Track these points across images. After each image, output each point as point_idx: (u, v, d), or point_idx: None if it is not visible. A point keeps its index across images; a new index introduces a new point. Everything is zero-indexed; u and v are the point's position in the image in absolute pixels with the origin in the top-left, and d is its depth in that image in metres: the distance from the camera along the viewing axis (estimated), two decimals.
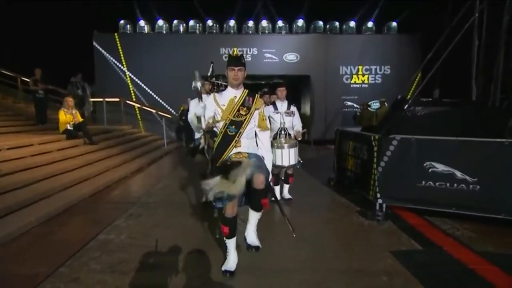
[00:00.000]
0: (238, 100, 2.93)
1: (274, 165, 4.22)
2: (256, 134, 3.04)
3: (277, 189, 5.05)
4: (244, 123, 2.90)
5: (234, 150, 2.89)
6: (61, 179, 5.83)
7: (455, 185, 4.00)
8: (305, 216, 4.50)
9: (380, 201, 4.32)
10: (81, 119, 8.40)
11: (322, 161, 9.08)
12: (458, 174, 3.98)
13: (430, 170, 4.10)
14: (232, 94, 2.95)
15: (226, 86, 3.09)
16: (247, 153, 2.90)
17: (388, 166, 4.29)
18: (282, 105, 4.90)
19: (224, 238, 2.93)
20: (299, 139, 4.83)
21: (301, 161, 4.77)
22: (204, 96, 5.06)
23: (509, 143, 3.76)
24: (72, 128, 8.11)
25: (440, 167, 4.06)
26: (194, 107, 4.91)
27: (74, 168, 6.56)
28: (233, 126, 2.88)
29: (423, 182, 4.13)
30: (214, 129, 2.99)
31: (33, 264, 3.13)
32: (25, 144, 6.61)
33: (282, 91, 4.93)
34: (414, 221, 4.28)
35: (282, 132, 4.67)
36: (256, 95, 3.00)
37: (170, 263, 3.13)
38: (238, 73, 2.87)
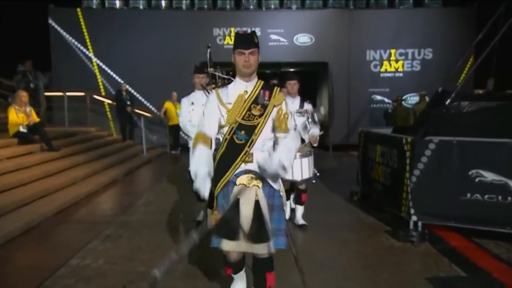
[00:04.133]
0: (249, 96, 2.73)
1: (283, 179, 4.13)
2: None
3: (287, 205, 5.10)
4: (258, 128, 2.68)
5: (243, 167, 2.69)
6: (16, 194, 6.14)
7: (510, 198, 4.29)
8: (321, 238, 4.80)
9: (414, 218, 4.60)
10: (37, 119, 8.74)
11: (344, 171, 9.39)
12: None
13: (477, 180, 4.39)
14: (242, 88, 2.75)
15: (228, 80, 3.16)
16: (261, 179, 2.69)
17: (424, 175, 4.58)
18: (293, 103, 4.95)
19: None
20: (315, 145, 4.87)
21: (318, 174, 4.84)
22: (197, 93, 5.11)
23: None
24: (26, 131, 8.43)
25: (490, 176, 4.35)
26: (188, 108, 5.04)
27: (32, 181, 6.87)
28: (243, 132, 2.67)
29: (468, 195, 4.42)
30: (218, 136, 2.81)
31: None
32: None
33: (293, 84, 5.01)
34: (457, 243, 4.57)
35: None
36: (275, 88, 2.83)
37: None
38: (250, 58, 2.66)
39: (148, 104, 14.01)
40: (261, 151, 2.71)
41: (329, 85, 14.83)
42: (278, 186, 2.78)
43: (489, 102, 5.51)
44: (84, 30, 14.10)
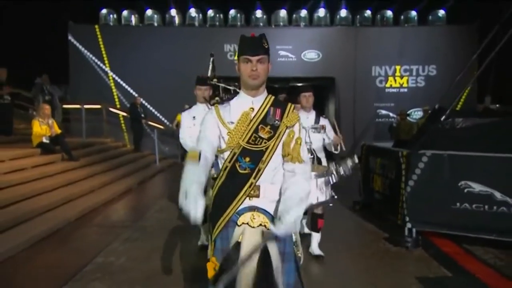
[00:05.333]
0: (257, 114, 2.25)
1: None
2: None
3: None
4: (267, 154, 2.20)
5: (247, 203, 2.20)
6: (41, 200, 6.61)
7: (495, 207, 4.67)
8: (325, 242, 5.17)
9: (409, 225, 4.98)
10: (59, 131, 9.26)
11: (348, 182, 9.70)
12: (498, 195, 4.65)
13: (465, 191, 4.77)
14: (247, 104, 2.27)
15: (235, 92, 2.78)
16: (270, 219, 2.21)
17: (418, 186, 4.97)
18: (308, 117, 4.56)
19: None
20: (337, 152, 4.61)
21: (335, 196, 4.30)
22: (199, 106, 4.72)
23: None
24: (48, 141, 8.94)
25: (477, 187, 4.73)
26: (188, 122, 4.65)
27: (54, 188, 7.36)
28: (247, 159, 2.19)
29: (458, 204, 4.80)
30: (218, 156, 2.35)
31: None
32: None
33: (308, 97, 4.57)
34: (449, 249, 4.94)
35: (309, 155, 4.15)
36: (290, 105, 2.33)
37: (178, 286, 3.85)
38: (258, 67, 2.18)
39: (160, 117, 14.53)
40: (270, 183, 2.23)
41: (336, 99, 15.30)
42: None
43: (481, 119, 5.92)
44: (101, 45, 14.76)
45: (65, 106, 13.26)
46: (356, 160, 4.11)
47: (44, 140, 8.90)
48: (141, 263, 4.45)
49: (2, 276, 4.10)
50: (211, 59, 4.84)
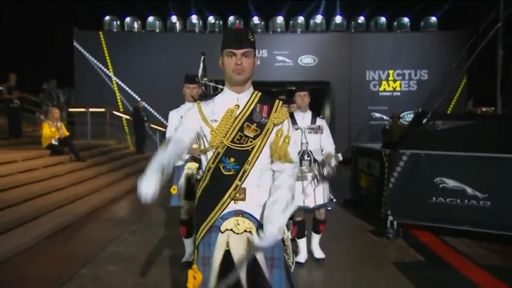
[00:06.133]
0: (242, 111, 2.10)
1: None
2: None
3: (302, 243, 4.56)
4: (253, 154, 2.04)
5: (232, 207, 2.05)
6: (53, 197, 7.11)
7: (466, 201, 5.18)
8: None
9: (390, 218, 5.49)
10: (67, 133, 9.77)
11: (342, 182, 10.24)
12: (469, 190, 5.16)
13: (440, 186, 5.28)
14: (232, 101, 2.12)
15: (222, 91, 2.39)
16: (256, 224, 2.06)
17: (399, 182, 5.49)
18: (304, 118, 4.42)
19: None
20: (331, 169, 4.23)
21: (334, 200, 4.35)
22: (187, 105, 4.54)
23: None
24: (57, 143, 9.45)
25: (451, 183, 5.24)
26: (176, 122, 4.39)
27: (64, 187, 7.86)
28: (232, 159, 2.04)
29: (434, 199, 5.31)
30: (202, 157, 2.22)
31: (50, 270, 4.37)
32: (9, 160, 7.95)
33: (303, 96, 4.41)
34: (426, 239, 5.45)
35: (305, 156, 4.23)
36: (276, 101, 2.16)
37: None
38: (243, 61, 2.04)
39: (162, 120, 15.02)
40: (257, 186, 2.07)
41: (331, 103, 15.83)
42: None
43: (459, 122, 6.42)
44: (105, 51, 15.32)
45: (70, 109, 13.75)
46: (340, 158, 4.21)
47: (53, 142, 9.40)
48: (149, 251, 4.95)
49: (22, 264, 4.59)
50: (202, 57, 4.71)
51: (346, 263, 4.73)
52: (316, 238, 4.64)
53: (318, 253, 4.64)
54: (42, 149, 9.33)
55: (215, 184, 2.06)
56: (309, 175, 3.85)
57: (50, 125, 9.51)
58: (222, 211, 2.02)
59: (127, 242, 5.35)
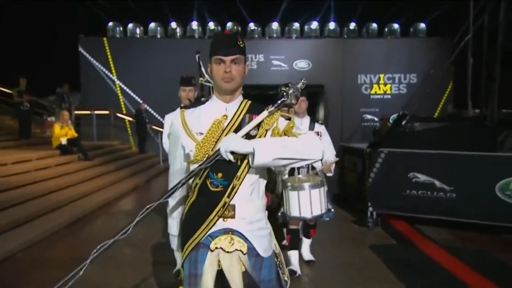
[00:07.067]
0: (231, 122, 1.95)
1: (288, 216, 3.64)
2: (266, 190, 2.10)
3: (295, 256, 4.37)
4: (242, 169, 1.89)
5: (220, 225, 1.93)
6: (65, 193, 7.78)
7: (435, 193, 5.87)
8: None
9: (370, 209, 6.18)
10: (76, 134, 10.44)
11: (329, 179, 11.00)
12: (437, 183, 5.85)
13: (413, 180, 5.97)
14: (220, 111, 1.98)
15: None
16: (246, 243, 1.94)
17: (377, 177, 6.17)
18: (302, 124, 4.24)
19: None
20: (330, 174, 4.35)
21: (332, 210, 3.98)
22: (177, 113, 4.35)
23: (478, 156, 5.64)
24: (66, 143, 10.11)
25: (422, 178, 5.93)
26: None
27: (75, 184, 8.53)
28: (220, 175, 1.90)
29: (408, 191, 5.99)
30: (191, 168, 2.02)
31: (72, 252, 5.04)
32: (25, 159, 8.62)
33: (300, 102, 4.10)
34: (402, 227, 6.15)
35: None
36: (267, 108, 1.93)
37: None
38: (232, 68, 1.91)
39: (163, 121, 15.59)
40: (247, 202, 1.94)
41: (325, 105, 16.54)
42: (270, 251, 2.00)
43: (435, 123, 7.14)
44: (109, 56, 15.99)
45: (76, 112, 14.39)
46: (336, 159, 4.27)
47: (63, 142, 10.06)
48: (157, 237, 5.62)
49: (47, 248, 5.27)
50: (197, 56, 4.31)
51: (329, 249, 5.35)
52: (306, 242, 4.69)
53: (308, 256, 4.70)
54: (53, 149, 9.99)
55: (202, 201, 1.95)
56: (306, 185, 3.49)
57: (61, 126, 10.17)
58: (209, 229, 1.91)
59: (136, 230, 5.98)
